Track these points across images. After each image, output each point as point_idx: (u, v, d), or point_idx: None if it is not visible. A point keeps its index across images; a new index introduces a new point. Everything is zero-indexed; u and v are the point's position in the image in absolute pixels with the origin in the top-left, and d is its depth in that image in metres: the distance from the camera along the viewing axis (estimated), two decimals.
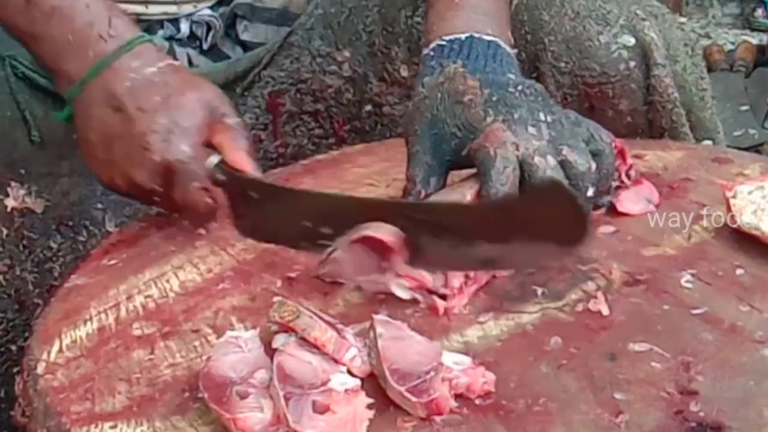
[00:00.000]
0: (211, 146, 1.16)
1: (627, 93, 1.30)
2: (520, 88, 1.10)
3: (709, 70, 3.08)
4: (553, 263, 1.05)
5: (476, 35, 1.15)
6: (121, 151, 1.14)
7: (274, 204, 1.11)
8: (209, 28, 1.48)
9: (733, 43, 3.39)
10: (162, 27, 1.46)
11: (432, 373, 0.88)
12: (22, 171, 1.26)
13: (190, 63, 1.48)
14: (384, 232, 1.01)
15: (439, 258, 1.01)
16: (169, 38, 1.47)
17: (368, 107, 1.43)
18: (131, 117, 1.14)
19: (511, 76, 1.13)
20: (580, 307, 1.01)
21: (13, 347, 1.25)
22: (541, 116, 1.07)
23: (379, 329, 0.92)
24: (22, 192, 1.26)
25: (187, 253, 1.15)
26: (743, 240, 1.07)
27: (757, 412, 0.86)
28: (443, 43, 1.15)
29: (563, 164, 1.05)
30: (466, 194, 1.06)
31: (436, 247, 1.00)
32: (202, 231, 1.19)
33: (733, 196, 1.08)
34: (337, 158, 1.36)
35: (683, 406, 0.87)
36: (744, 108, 2.83)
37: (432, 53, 1.15)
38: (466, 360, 0.92)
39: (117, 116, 1.14)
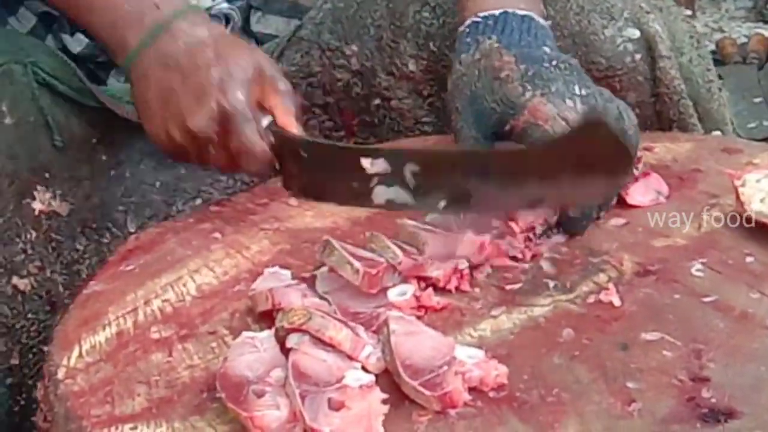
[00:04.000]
0: (263, 109, 1.21)
1: (634, 85, 1.31)
2: (554, 62, 1.12)
3: (723, 63, 3.09)
4: (598, 198, 1.08)
5: (510, 11, 1.17)
6: (178, 103, 1.20)
7: (322, 161, 1.16)
8: (227, 21, 1.49)
9: (746, 36, 3.39)
10: None
11: (445, 367, 0.89)
12: (47, 175, 1.28)
13: None
14: None
15: (487, 201, 1.04)
16: None
17: (377, 101, 1.44)
18: (187, 72, 1.20)
19: (546, 49, 1.15)
20: (591, 299, 1.01)
21: (46, 348, 1.27)
22: (576, 90, 1.10)
23: (392, 326, 0.93)
24: (48, 195, 1.28)
25: (202, 256, 1.16)
26: (753, 228, 1.08)
27: None
28: (478, 19, 1.18)
29: None
30: None
31: (483, 190, 1.03)
32: (217, 235, 1.20)
33: (742, 185, 1.09)
34: None
35: (695, 393, 0.88)
36: (758, 100, 2.83)
37: (467, 30, 1.18)
38: (480, 353, 0.92)
39: (174, 73, 1.20)
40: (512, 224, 1.09)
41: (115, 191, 1.36)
